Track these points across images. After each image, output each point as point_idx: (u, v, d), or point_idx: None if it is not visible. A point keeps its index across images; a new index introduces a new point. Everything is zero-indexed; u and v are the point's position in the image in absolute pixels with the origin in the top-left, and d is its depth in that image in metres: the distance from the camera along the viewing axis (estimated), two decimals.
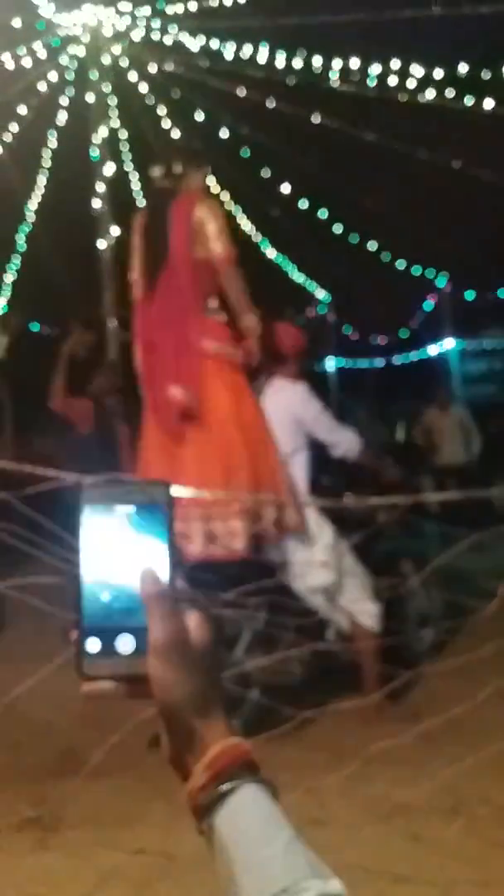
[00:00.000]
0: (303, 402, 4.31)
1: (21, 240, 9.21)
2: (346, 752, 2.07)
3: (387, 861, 2.77)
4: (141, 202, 4.42)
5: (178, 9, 7.23)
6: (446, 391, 10.51)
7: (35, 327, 11.66)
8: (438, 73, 7.59)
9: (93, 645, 0.76)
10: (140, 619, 0.75)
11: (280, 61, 7.36)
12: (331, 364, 15.85)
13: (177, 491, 0.79)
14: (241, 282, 4.07)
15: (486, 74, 7.50)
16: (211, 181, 4.36)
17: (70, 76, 7.30)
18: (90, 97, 6.60)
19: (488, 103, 7.75)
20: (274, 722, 2.58)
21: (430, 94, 7.69)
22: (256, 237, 10.34)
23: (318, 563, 4.01)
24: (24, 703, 2.73)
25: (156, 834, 3.03)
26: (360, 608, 4.12)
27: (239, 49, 7.19)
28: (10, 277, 10.45)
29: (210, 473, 3.89)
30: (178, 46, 7.36)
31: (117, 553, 0.77)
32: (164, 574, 0.77)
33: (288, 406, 4.29)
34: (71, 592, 0.78)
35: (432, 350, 15.88)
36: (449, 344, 15.37)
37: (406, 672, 2.89)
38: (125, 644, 0.75)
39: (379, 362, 17.05)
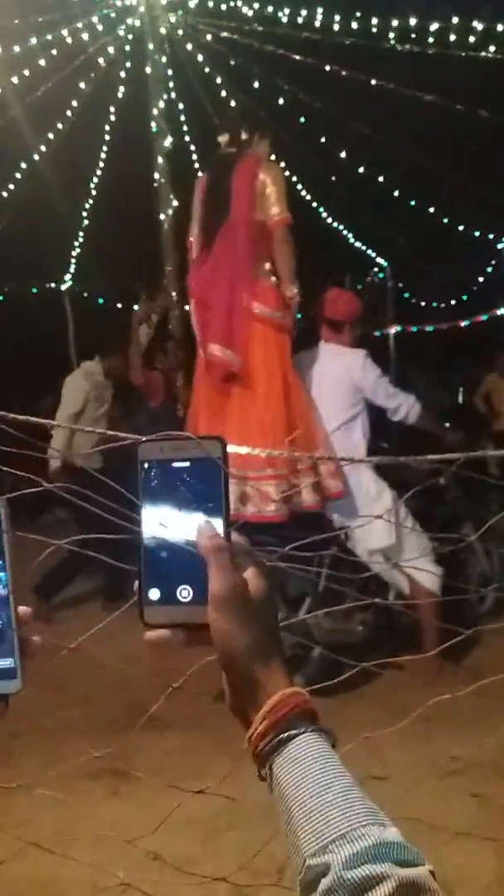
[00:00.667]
0: (362, 369, 4.33)
1: (84, 214, 9.28)
2: (406, 709, 2.11)
3: (446, 816, 2.81)
4: (200, 173, 4.47)
5: None
6: None
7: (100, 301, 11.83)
8: (500, 28, 7.38)
9: (154, 594, 0.79)
10: (198, 569, 0.78)
11: (336, 23, 7.24)
12: (390, 330, 15.68)
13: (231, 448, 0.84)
14: (291, 250, 4.09)
15: None
16: (272, 148, 4.36)
17: (127, 48, 7.30)
18: (148, 69, 6.60)
19: None
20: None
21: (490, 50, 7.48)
22: (314, 204, 10.24)
23: (377, 526, 4.05)
24: (98, 659, 2.83)
25: (222, 782, 3.15)
26: (420, 570, 4.16)
27: (294, 13, 7.11)
28: (74, 252, 10.59)
29: (251, 433, 3.97)
30: (233, 12, 7.29)
31: (175, 506, 0.80)
32: (220, 526, 0.80)
33: (346, 372, 4.32)
34: (134, 545, 0.82)
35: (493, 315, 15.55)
36: None
37: (466, 632, 2.92)
38: (184, 593, 0.79)
39: (439, 328, 16.79)
